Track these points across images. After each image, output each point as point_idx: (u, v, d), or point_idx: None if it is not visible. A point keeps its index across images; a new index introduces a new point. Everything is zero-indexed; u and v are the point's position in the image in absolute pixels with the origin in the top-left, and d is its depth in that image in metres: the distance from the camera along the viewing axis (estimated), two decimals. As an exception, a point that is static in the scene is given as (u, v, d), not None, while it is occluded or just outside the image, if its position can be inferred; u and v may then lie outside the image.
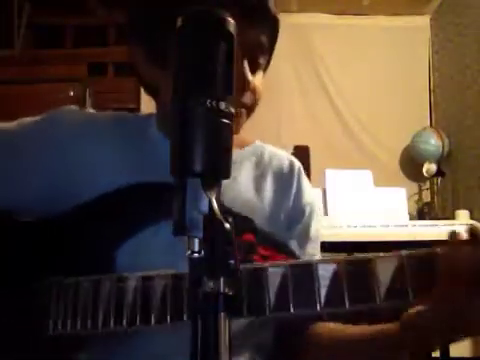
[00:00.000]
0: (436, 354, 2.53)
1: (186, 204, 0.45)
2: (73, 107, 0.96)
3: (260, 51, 0.85)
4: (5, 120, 0.92)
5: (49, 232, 0.83)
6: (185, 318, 0.67)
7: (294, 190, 0.96)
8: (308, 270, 0.63)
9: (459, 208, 2.96)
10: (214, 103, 0.46)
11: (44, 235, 0.83)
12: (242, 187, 0.91)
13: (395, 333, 0.69)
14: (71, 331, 0.73)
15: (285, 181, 0.96)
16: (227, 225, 0.45)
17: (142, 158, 0.89)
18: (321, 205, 2.40)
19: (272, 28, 0.87)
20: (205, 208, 0.45)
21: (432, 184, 3.49)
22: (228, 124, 0.47)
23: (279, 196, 0.94)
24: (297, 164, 1.00)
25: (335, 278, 0.62)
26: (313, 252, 0.95)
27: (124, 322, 0.70)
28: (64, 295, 0.75)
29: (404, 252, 0.62)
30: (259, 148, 1.00)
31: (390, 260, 0.62)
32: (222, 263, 0.44)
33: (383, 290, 0.61)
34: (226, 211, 0.47)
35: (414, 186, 3.52)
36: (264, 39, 0.84)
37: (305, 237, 0.95)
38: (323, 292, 0.62)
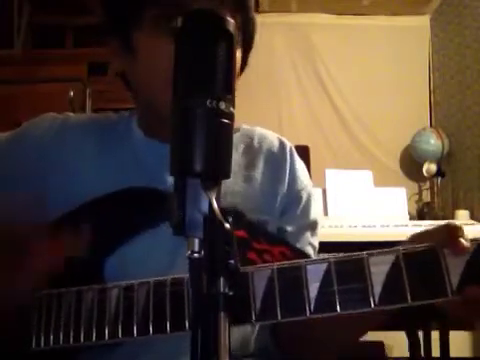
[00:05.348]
0: (436, 354, 2.52)
1: (186, 204, 0.45)
2: (50, 114, 0.94)
3: None
4: (5, 119, 0.91)
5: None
6: (168, 330, 0.65)
7: (287, 173, 0.93)
8: (297, 273, 0.61)
9: (459, 208, 2.96)
10: (214, 103, 0.46)
11: None
12: (230, 179, 0.90)
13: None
14: (54, 346, 0.71)
15: (277, 164, 0.93)
16: (227, 225, 0.45)
17: (125, 162, 0.87)
18: (321, 205, 2.40)
19: (246, 19, 0.84)
20: (205, 208, 0.45)
21: (432, 184, 3.49)
22: (228, 124, 0.47)
23: (272, 181, 0.91)
24: (288, 144, 0.97)
25: (325, 280, 0.60)
26: (309, 239, 0.92)
27: (106, 335, 0.69)
28: (46, 308, 0.73)
29: (401, 249, 0.60)
30: (247, 132, 0.97)
31: (385, 259, 0.60)
32: (222, 263, 0.44)
33: (378, 291, 0.59)
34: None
35: (414, 186, 3.52)
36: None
37: (303, 224, 0.92)
38: (313, 296, 0.60)
